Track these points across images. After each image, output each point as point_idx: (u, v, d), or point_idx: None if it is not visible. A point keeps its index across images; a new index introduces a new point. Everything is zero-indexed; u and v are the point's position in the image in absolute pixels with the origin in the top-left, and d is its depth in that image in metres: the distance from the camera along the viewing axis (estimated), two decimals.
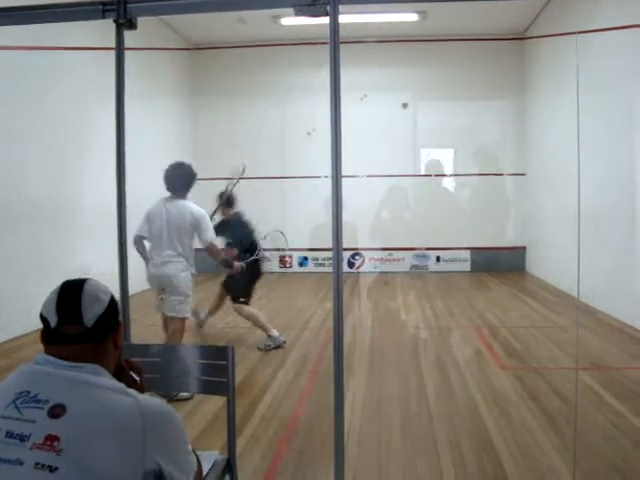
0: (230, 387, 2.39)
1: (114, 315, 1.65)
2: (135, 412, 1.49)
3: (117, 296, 2.74)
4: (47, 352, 1.56)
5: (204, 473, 2.01)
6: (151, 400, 1.58)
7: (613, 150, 7.55)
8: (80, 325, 1.56)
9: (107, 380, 1.56)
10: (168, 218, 5.21)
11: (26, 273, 6.84)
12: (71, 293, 1.60)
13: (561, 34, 8.83)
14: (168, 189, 5.35)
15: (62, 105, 7.81)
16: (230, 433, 2.43)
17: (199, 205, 5.48)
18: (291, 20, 11.24)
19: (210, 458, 2.28)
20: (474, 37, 12.11)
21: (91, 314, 1.57)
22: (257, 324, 6.38)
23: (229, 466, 2.38)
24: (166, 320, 5.22)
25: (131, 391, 1.55)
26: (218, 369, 2.43)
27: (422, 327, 7.53)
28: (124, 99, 2.93)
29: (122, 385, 1.57)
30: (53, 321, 1.56)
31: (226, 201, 6.41)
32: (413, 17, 11.28)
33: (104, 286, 1.68)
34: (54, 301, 1.59)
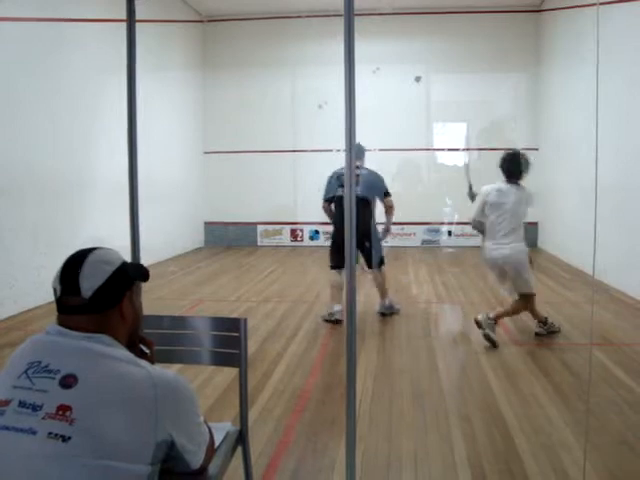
0: (242, 358, 2.39)
1: (118, 287, 1.62)
2: (148, 383, 1.50)
3: None
4: (58, 322, 1.57)
5: (217, 444, 2.02)
6: (163, 371, 1.58)
7: (629, 125, 7.46)
8: (78, 296, 1.55)
9: (118, 351, 1.56)
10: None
11: (37, 246, 6.88)
12: (73, 263, 1.59)
13: (580, 6, 8.68)
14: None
15: (73, 77, 7.78)
16: (242, 405, 2.43)
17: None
18: None
19: (223, 429, 2.29)
20: (489, 9, 11.95)
21: (88, 286, 1.55)
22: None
23: (242, 437, 2.39)
24: None
25: (143, 362, 1.56)
26: (230, 341, 2.43)
27: (434, 302, 7.53)
28: (135, 71, 2.90)
29: (133, 356, 1.57)
30: (58, 291, 1.58)
31: None
32: None
33: (113, 256, 1.65)
34: (59, 271, 1.59)
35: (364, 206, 6.16)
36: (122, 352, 1.57)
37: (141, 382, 1.50)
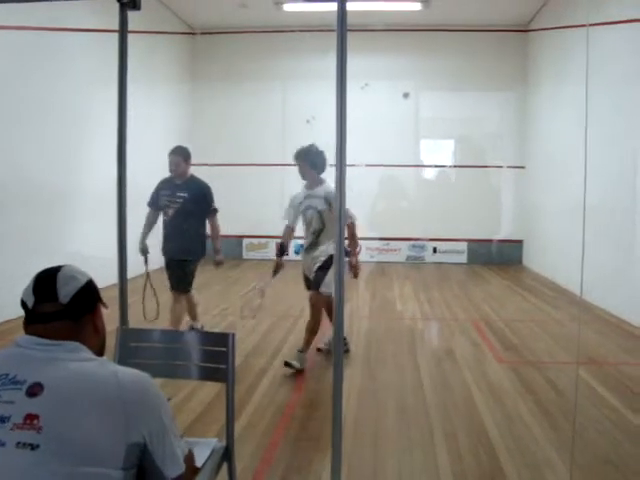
0: (230, 374, 2.36)
1: (91, 297, 1.68)
2: (113, 382, 1.50)
3: (115, 280, 2.73)
4: (27, 333, 1.59)
5: (203, 461, 2.00)
6: (128, 370, 1.59)
7: (616, 145, 7.52)
8: (55, 302, 1.59)
9: (84, 354, 1.57)
10: None
11: (23, 256, 6.80)
12: (47, 275, 1.64)
13: (569, 26, 8.77)
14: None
15: (62, 88, 7.75)
16: (229, 421, 2.40)
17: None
18: (293, 6, 11.18)
19: (208, 445, 2.26)
20: (477, 28, 12.06)
21: (65, 292, 1.60)
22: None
23: (227, 454, 2.36)
24: None
25: (109, 364, 1.58)
26: (217, 355, 2.40)
27: (419, 318, 7.53)
28: (127, 82, 2.88)
29: (101, 358, 1.60)
30: (30, 302, 1.60)
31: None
32: (416, 6, 11.22)
33: (83, 271, 1.71)
34: (32, 284, 1.63)
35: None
36: (88, 355, 1.58)
37: (106, 382, 1.50)
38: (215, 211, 5.67)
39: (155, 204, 5.67)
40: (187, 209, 5.49)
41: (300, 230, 5.49)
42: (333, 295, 5.04)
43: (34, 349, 1.53)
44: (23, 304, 1.62)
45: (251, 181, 12.51)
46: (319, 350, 5.68)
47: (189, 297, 5.76)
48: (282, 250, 5.40)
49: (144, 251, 5.64)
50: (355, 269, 5.28)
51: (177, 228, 5.51)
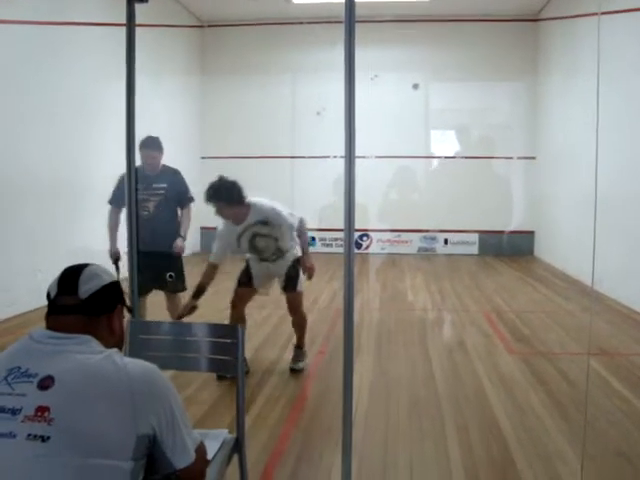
0: (239, 366, 2.37)
1: (112, 297, 1.71)
2: (122, 373, 1.52)
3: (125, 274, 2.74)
4: (46, 324, 1.62)
5: (213, 452, 2.00)
6: (138, 362, 1.60)
7: (627, 135, 7.47)
8: (75, 296, 1.62)
9: (95, 347, 1.58)
10: None
11: (34, 250, 6.84)
12: (74, 270, 1.68)
13: (580, 15, 8.70)
14: None
15: (71, 82, 7.76)
16: (239, 413, 2.40)
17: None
18: None
19: (219, 437, 2.27)
20: (487, 18, 11.98)
21: (86, 288, 1.63)
22: None
23: (238, 446, 2.37)
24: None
25: (117, 356, 1.58)
26: (227, 348, 2.41)
27: (430, 309, 7.52)
28: (134, 76, 2.89)
29: (110, 350, 1.60)
30: (53, 293, 1.64)
31: None
32: None
33: (110, 272, 1.75)
34: (58, 277, 1.67)
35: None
36: (99, 348, 1.59)
37: (115, 374, 1.52)
38: (192, 199, 5.39)
39: (118, 201, 5.13)
40: (169, 199, 5.23)
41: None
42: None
43: (47, 343, 1.55)
44: (48, 295, 1.65)
45: (260, 174, 12.50)
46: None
47: (179, 296, 5.39)
48: (200, 292, 4.69)
49: (116, 257, 5.08)
50: (310, 270, 5.04)
51: (163, 221, 5.19)
